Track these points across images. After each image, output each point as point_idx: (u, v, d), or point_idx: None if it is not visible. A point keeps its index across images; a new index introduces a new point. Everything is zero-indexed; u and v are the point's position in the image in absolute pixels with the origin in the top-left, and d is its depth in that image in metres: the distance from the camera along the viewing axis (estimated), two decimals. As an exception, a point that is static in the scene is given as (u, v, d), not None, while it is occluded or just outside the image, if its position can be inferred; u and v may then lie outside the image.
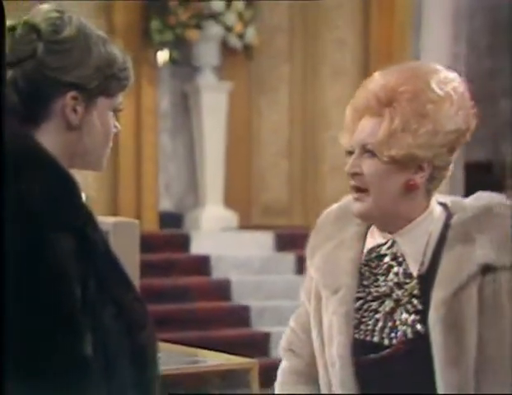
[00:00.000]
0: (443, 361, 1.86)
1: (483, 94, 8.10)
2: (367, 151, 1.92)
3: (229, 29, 6.89)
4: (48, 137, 1.69)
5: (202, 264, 6.51)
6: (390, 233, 1.95)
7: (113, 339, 1.66)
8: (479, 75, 8.12)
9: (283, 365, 2.08)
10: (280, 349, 2.10)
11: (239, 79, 7.08)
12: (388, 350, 1.89)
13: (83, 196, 1.72)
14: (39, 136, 1.69)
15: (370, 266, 1.96)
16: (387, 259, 1.94)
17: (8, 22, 1.71)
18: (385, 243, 1.95)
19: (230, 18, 6.88)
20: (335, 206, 2.05)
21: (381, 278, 1.94)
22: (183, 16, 6.74)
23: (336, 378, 1.92)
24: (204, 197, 7.11)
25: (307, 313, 2.02)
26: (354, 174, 1.93)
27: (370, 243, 1.97)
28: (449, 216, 1.96)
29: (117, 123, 1.76)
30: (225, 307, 6.40)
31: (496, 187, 7.65)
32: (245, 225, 7.15)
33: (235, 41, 6.96)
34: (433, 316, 1.88)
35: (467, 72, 7.83)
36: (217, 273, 6.53)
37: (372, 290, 1.94)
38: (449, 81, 1.94)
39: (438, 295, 1.89)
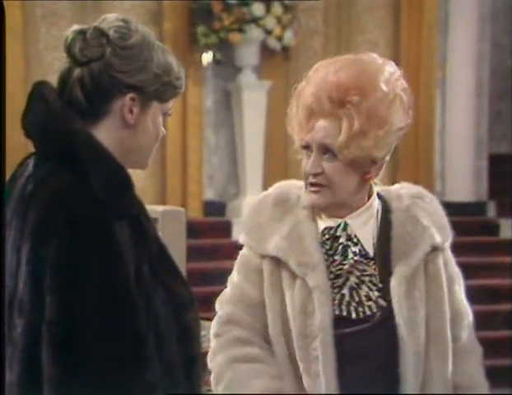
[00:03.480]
0: (404, 331, 1.89)
1: (506, 90, 8.03)
2: (327, 151, 1.90)
3: (268, 32, 6.90)
4: (106, 133, 1.71)
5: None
6: (340, 217, 1.95)
7: (162, 320, 1.68)
8: (502, 73, 8.05)
9: (225, 338, 1.94)
10: (216, 324, 1.97)
11: (278, 78, 7.09)
12: (366, 324, 1.89)
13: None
14: (97, 131, 1.71)
15: (324, 247, 1.94)
16: (342, 240, 1.94)
17: (77, 27, 1.74)
18: (338, 226, 1.94)
19: (270, 22, 6.89)
20: (270, 192, 2.01)
21: (338, 258, 1.93)
22: (227, 20, 6.76)
23: (315, 350, 1.88)
24: (245, 187, 7.12)
25: (254, 290, 1.94)
26: (315, 174, 1.91)
27: (322, 225, 1.96)
28: (384, 202, 1.98)
29: (163, 128, 1.77)
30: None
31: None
32: (283, 213, 7.15)
33: (274, 43, 6.97)
34: (397, 292, 1.90)
35: (490, 69, 7.77)
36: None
37: (332, 269, 1.93)
38: (394, 78, 1.92)
39: (399, 272, 1.92)
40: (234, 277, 2.02)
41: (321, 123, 1.89)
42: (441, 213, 2.01)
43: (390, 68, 1.93)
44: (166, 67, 1.74)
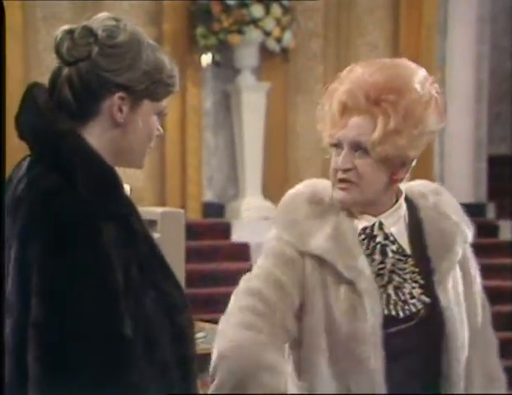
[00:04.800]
0: (453, 325, 1.93)
1: (506, 92, 8.03)
2: (359, 148, 1.90)
3: (268, 33, 6.90)
4: (96, 133, 1.71)
5: (242, 251, 6.53)
6: (372, 215, 1.96)
7: (153, 321, 1.67)
8: (502, 74, 8.06)
9: (244, 302, 1.94)
10: (242, 286, 1.95)
11: (277, 80, 7.09)
12: (412, 322, 1.91)
13: (127, 188, 1.73)
14: (88, 131, 1.70)
15: (362, 247, 1.94)
16: (379, 239, 1.94)
17: (67, 26, 1.74)
18: (373, 225, 1.95)
19: (269, 23, 6.89)
20: (302, 190, 1.98)
21: (378, 257, 1.94)
22: (226, 22, 6.77)
23: (363, 352, 1.89)
24: (244, 188, 7.12)
25: (284, 277, 1.94)
26: (345, 170, 1.91)
27: (359, 224, 1.96)
28: (410, 200, 2.00)
29: (159, 127, 1.76)
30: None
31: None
32: (282, 214, 7.15)
33: (273, 45, 6.97)
34: (443, 287, 1.94)
35: (490, 71, 7.77)
36: (256, 259, 6.53)
37: (373, 268, 1.93)
38: (428, 81, 1.95)
39: (443, 267, 1.95)
40: (260, 262, 2.02)
41: (355, 120, 1.90)
42: (460, 208, 2.03)
43: (424, 73, 1.97)
44: (157, 65, 1.72)
